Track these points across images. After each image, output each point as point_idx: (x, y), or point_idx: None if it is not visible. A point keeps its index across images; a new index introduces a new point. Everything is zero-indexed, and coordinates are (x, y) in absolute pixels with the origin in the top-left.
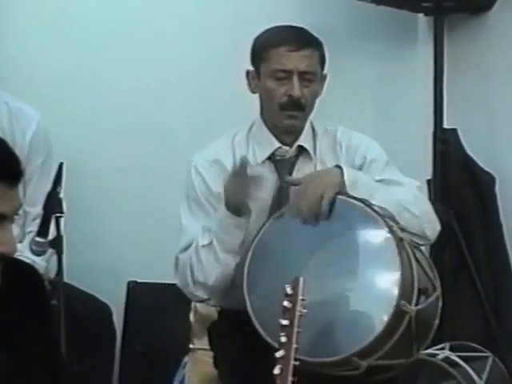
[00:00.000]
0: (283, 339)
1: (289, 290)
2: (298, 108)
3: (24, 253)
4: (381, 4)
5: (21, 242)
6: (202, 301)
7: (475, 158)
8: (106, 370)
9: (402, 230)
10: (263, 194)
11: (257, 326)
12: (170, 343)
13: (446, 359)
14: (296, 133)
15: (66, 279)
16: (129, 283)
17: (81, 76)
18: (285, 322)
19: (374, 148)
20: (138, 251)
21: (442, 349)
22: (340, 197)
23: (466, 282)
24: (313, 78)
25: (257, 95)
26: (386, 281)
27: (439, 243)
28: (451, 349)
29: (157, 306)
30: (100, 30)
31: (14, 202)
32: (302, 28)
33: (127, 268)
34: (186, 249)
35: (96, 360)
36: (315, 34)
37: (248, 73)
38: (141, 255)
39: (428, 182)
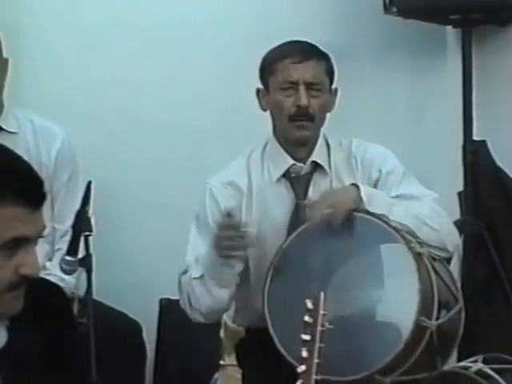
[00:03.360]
0: (304, 354)
1: (310, 305)
2: (307, 118)
3: (53, 271)
4: (408, 17)
5: (50, 259)
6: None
7: (505, 169)
8: None
9: (422, 244)
10: (280, 213)
11: (279, 346)
12: (203, 360)
13: (479, 372)
14: (309, 147)
15: (97, 297)
16: (161, 301)
17: (107, 90)
18: (306, 337)
19: (390, 159)
20: (169, 268)
21: (475, 361)
22: (358, 214)
23: (499, 293)
24: (320, 88)
25: None
26: (405, 297)
27: (471, 255)
28: (484, 361)
29: (189, 323)
30: (124, 44)
31: (38, 225)
32: (307, 41)
33: (159, 285)
34: (185, 272)
35: (127, 377)
36: (324, 48)
37: (258, 91)
38: (173, 272)
39: (459, 194)
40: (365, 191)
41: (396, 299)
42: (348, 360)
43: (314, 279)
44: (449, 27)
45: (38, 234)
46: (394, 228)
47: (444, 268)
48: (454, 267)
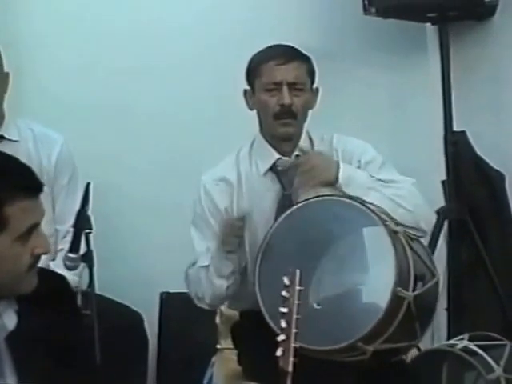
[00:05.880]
0: (284, 325)
1: (286, 281)
2: (290, 115)
3: (57, 269)
4: (387, 17)
5: (54, 259)
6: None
7: (485, 158)
8: (141, 374)
9: (397, 223)
10: (267, 205)
11: (269, 321)
12: (203, 348)
13: (465, 349)
14: (293, 142)
15: (101, 293)
16: (161, 294)
17: (106, 95)
18: (284, 310)
19: (369, 151)
20: (168, 264)
21: (462, 339)
22: (336, 198)
23: (483, 274)
24: (302, 88)
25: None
26: (384, 271)
27: (456, 240)
28: (470, 339)
29: (189, 314)
30: (124, 51)
31: (42, 210)
32: (289, 45)
33: (159, 280)
34: (192, 264)
35: (131, 364)
36: (308, 52)
37: (245, 92)
38: (171, 267)
39: (443, 182)
40: (343, 173)
41: (375, 276)
42: (332, 332)
43: (299, 261)
44: (427, 24)
45: (43, 216)
46: (370, 209)
47: (420, 246)
48: (440, 252)
